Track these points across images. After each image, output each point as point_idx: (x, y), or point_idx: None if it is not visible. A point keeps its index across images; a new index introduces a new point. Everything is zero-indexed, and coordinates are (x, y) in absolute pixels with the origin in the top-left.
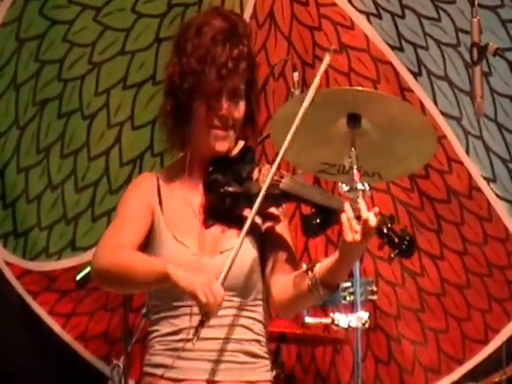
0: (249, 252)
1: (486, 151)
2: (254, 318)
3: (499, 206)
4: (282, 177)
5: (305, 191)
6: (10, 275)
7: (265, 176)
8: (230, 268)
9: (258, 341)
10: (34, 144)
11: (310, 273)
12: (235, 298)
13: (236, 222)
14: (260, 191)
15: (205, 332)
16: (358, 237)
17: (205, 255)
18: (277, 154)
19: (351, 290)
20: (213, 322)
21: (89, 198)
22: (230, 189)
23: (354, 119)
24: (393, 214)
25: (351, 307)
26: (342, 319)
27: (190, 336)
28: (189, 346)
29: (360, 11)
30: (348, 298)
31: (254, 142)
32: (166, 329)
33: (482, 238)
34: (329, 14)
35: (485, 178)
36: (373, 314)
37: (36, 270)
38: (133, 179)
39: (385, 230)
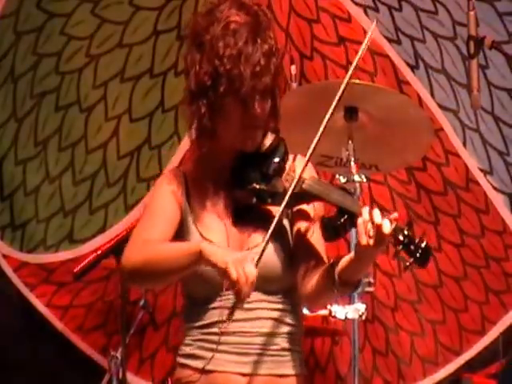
0: (277, 249)
1: (482, 144)
2: (284, 311)
3: (496, 199)
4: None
5: (325, 192)
6: (7, 268)
7: (289, 175)
8: (262, 254)
9: (290, 334)
10: (32, 137)
11: (330, 270)
12: (264, 295)
13: (262, 219)
14: (284, 189)
15: (234, 326)
16: (371, 242)
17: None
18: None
19: None
20: (243, 315)
21: (86, 190)
22: (257, 186)
23: (351, 112)
24: (411, 221)
25: (348, 299)
26: (339, 311)
27: (221, 328)
28: (221, 338)
29: (357, 4)
30: None
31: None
32: (198, 322)
33: (479, 230)
34: (327, 7)
35: (482, 171)
36: (370, 305)
37: (33, 263)
38: (163, 173)
39: (400, 238)
